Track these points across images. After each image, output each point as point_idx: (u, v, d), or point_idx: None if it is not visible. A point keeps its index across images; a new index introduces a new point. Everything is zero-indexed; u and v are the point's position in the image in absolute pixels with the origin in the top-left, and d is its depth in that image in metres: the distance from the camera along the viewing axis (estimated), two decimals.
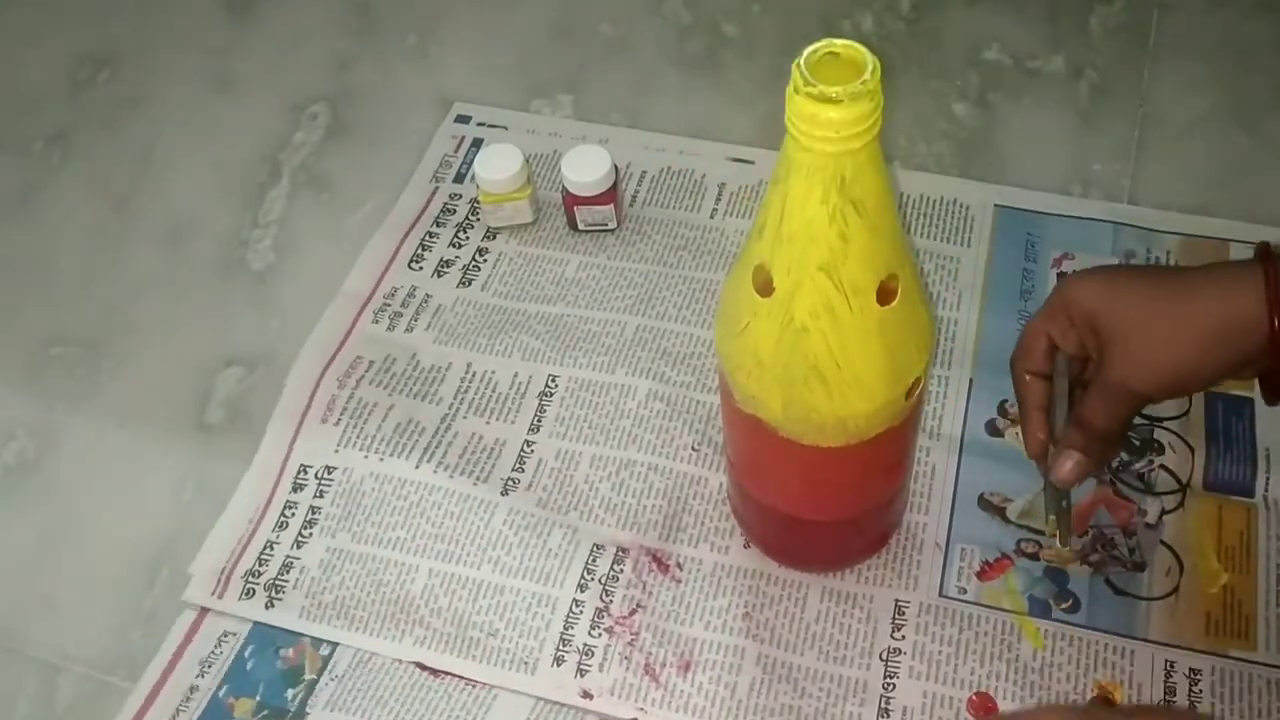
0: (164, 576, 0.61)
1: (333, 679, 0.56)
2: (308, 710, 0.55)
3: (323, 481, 0.63)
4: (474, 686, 0.55)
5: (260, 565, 0.60)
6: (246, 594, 0.59)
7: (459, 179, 0.76)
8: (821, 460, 0.47)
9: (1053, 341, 0.53)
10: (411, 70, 0.85)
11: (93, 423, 0.67)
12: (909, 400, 0.47)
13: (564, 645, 0.56)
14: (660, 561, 0.58)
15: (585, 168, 0.69)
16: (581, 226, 0.72)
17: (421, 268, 0.72)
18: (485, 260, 0.72)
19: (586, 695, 0.55)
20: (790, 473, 0.51)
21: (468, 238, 0.73)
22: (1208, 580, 0.56)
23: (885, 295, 0.42)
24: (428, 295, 0.70)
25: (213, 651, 0.58)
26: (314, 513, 0.62)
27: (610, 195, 0.70)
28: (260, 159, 0.80)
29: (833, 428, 0.46)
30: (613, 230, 0.72)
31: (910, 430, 0.51)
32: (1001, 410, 0.62)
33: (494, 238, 0.73)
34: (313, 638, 0.58)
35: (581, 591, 0.58)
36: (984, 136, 0.76)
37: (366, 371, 0.67)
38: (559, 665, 0.56)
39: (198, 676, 0.57)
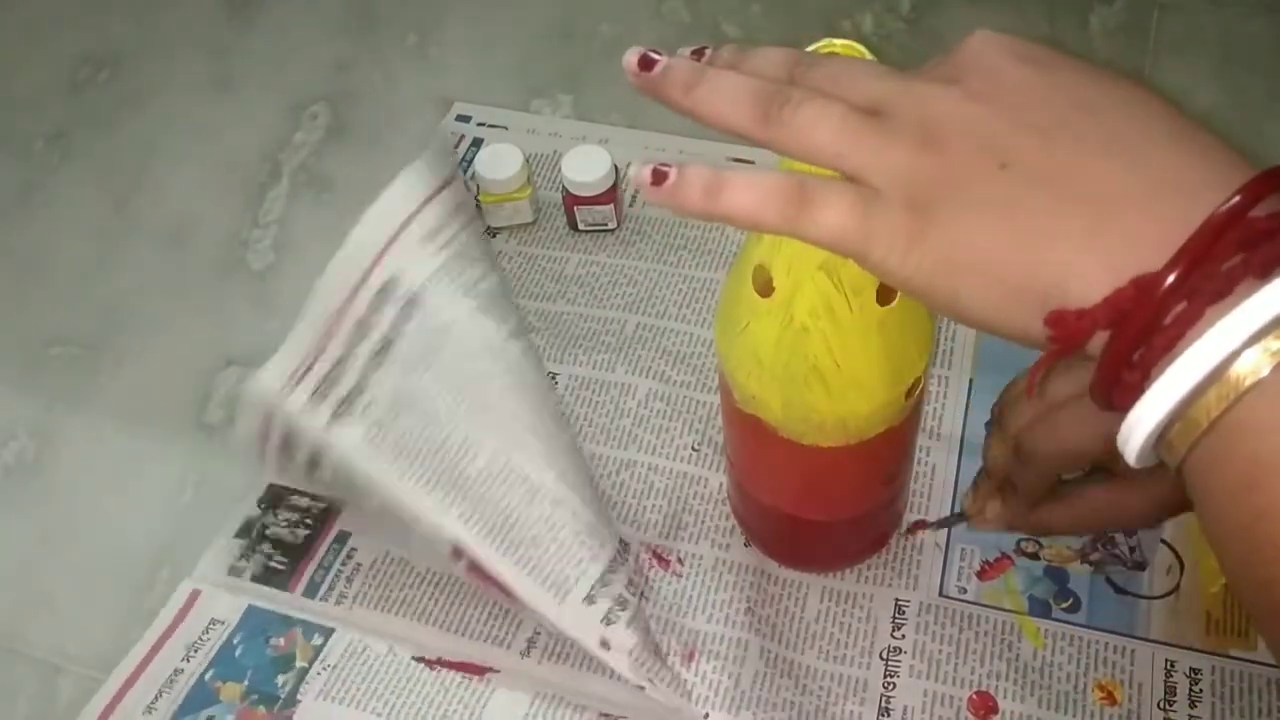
0: (164, 576, 0.61)
1: (325, 668, 0.56)
2: (299, 698, 0.55)
3: (410, 306, 0.55)
4: (470, 680, 0.55)
5: (332, 378, 0.54)
6: (318, 398, 0.53)
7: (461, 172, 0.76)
8: (821, 460, 0.47)
9: None
10: (411, 70, 0.85)
11: (93, 423, 0.67)
12: (909, 400, 0.47)
13: (601, 585, 0.53)
14: (661, 557, 0.58)
15: (585, 168, 0.69)
16: (581, 226, 0.72)
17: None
18: (490, 245, 0.71)
19: (605, 645, 0.53)
20: (790, 473, 0.51)
21: (477, 218, 0.72)
22: (1208, 579, 0.56)
23: (885, 295, 0.42)
24: None
25: (200, 637, 0.57)
26: (394, 335, 0.54)
27: (610, 195, 0.70)
28: (260, 159, 0.80)
29: (833, 428, 0.46)
30: (613, 230, 0.72)
31: (910, 430, 0.51)
32: None
33: (494, 236, 0.73)
34: (320, 614, 0.56)
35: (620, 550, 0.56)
36: None
37: (467, 224, 0.59)
38: (590, 604, 0.53)
39: (183, 660, 0.57)
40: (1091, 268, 0.28)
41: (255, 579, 0.60)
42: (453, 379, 0.55)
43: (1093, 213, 0.29)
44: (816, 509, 0.53)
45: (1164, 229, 0.28)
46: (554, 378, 0.65)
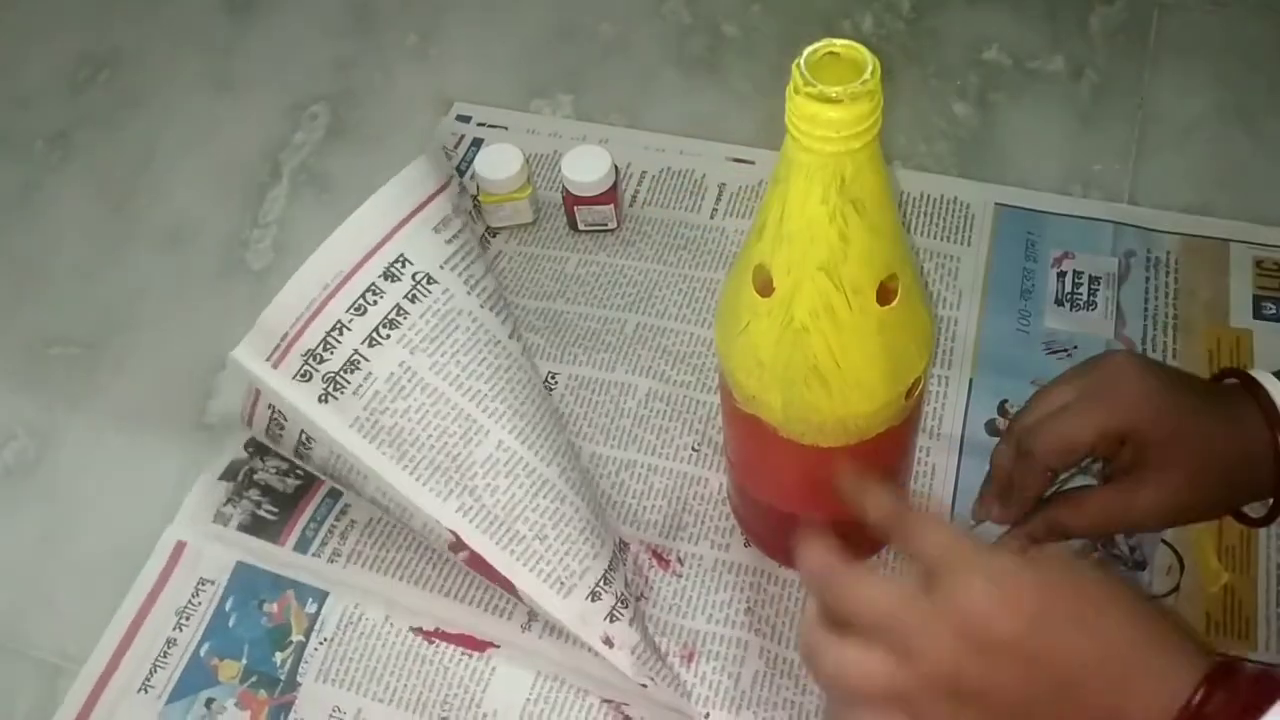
0: None
1: (322, 642, 0.55)
2: (299, 680, 0.55)
3: (419, 287, 0.55)
4: (471, 657, 0.55)
5: (325, 350, 0.53)
6: (303, 376, 0.53)
7: (459, 174, 0.76)
8: (821, 460, 0.47)
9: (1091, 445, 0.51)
10: (411, 70, 0.85)
11: (93, 422, 0.67)
12: (909, 400, 0.47)
13: (605, 583, 0.53)
14: (661, 557, 0.58)
15: (585, 168, 0.69)
16: (581, 226, 0.72)
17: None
18: (487, 251, 0.72)
19: (608, 642, 0.53)
20: (790, 473, 0.51)
21: (474, 221, 0.72)
22: (1208, 579, 0.56)
23: (885, 295, 0.42)
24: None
25: (190, 601, 0.57)
26: (399, 314, 0.54)
27: (610, 195, 0.70)
28: (260, 159, 0.80)
29: (833, 428, 0.46)
30: (613, 230, 0.72)
31: (910, 430, 0.51)
32: (1001, 410, 0.62)
33: (494, 236, 0.73)
34: (320, 551, 0.56)
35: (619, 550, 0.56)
36: (984, 136, 0.76)
37: (467, 224, 0.59)
38: (594, 600, 0.53)
39: (175, 629, 0.56)
40: None
41: (243, 528, 0.60)
42: (458, 365, 0.55)
43: None
44: (816, 509, 0.53)
45: None
46: (554, 377, 0.65)
